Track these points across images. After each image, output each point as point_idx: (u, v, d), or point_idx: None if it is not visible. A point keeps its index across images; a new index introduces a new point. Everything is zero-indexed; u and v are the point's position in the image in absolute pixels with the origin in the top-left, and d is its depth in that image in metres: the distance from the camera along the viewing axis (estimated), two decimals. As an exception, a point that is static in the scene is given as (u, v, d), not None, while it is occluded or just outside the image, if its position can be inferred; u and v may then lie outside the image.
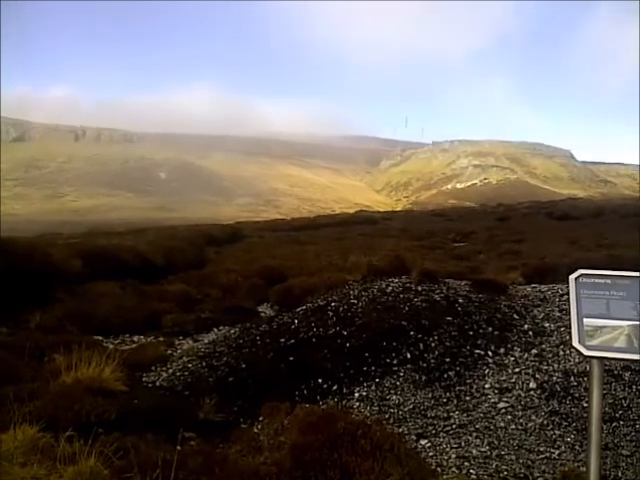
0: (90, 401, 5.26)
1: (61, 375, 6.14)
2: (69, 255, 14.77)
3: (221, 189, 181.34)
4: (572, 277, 3.99)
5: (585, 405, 5.75)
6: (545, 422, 5.68)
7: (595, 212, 50.21)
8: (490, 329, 7.74)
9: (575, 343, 3.85)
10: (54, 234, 41.39)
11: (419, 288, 8.81)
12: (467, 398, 6.37)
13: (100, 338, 9.98)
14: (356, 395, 6.66)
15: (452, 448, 5.32)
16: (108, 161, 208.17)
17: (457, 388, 6.59)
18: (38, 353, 7.61)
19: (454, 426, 5.79)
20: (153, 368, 8.14)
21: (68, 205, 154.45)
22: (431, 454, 5.25)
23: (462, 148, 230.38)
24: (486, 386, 6.53)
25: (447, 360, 7.11)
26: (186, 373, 7.69)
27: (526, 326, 7.81)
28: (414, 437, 5.65)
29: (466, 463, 4.99)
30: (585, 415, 5.51)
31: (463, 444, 5.38)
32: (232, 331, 9.59)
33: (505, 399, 6.21)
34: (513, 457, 5.06)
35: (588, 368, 5.15)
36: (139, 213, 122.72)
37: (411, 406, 6.29)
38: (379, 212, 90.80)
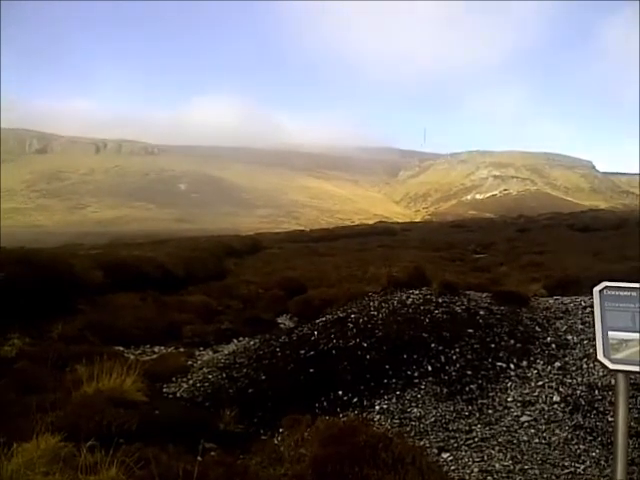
0: (111, 412, 5.29)
1: (83, 385, 6.17)
2: (90, 266, 14.92)
3: (241, 201, 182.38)
4: (596, 289, 3.95)
5: (610, 419, 5.66)
6: (569, 436, 5.60)
7: (617, 224, 49.57)
8: (512, 341, 7.66)
9: (600, 356, 3.80)
10: (76, 245, 41.82)
11: (440, 300, 8.75)
12: (489, 411, 6.29)
13: (121, 349, 10.03)
14: (377, 408, 6.61)
15: (474, 462, 5.26)
16: (129, 173, 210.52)
17: (479, 401, 6.51)
18: (60, 363, 7.68)
19: (476, 439, 5.72)
20: (174, 379, 8.16)
21: (90, 216, 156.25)
22: (453, 468, 5.19)
23: (481, 159, 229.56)
24: (509, 399, 6.45)
25: (469, 373, 7.04)
26: (206, 384, 7.69)
27: (549, 339, 7.71)
28: (436, 450, 5.59)
29: (489, 477, 4.92)
30: (610, 429, 5.41)
31: (486, 458, 5.31)
32: (252, 342, 9.59)
33: (528, 412, 6.12)
34: (537, 472, 4.98)
35: (613, 382, 5.08)
36: (160, 224, 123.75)
37: (432, 419, 6.24)
38: (398, 223, 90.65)
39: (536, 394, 6.45)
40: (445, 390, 6.76)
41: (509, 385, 6.75)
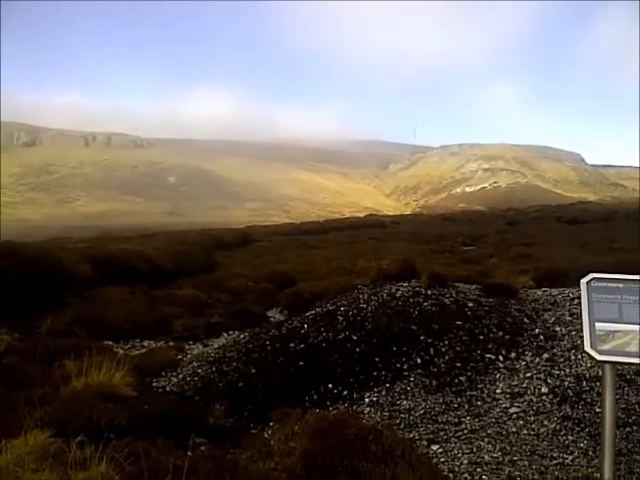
0: (101, 407, 5.27)
1: (72, 380, 6.14)
2: (79, 260, 14.83)
3: (231, 194, 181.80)
4: (584, 281, 3.97)
5: (598, 410, 5.70)
6: (558, 427, 5.63)
7: (606, 216, 49.82)
8: (501, 333, 7.70)
9: (587, 348, 3.83)
10: (64, 238, 41.55)
11: (429, 292, 8.77)
12: (478, 403, 6.32)
13: (110, 343, 10.00)
14: (366, 400, 6.63)
15: (464, 454, 5.28)
16: (118, 166, 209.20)
17: (468, 393, 6.54)
18: (49, 358, 7.63)
19: (465, 431, 5.75)
20: (163, 373, 8.15)
21: (78, 210, 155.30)
22: (443, 460, 5.22)
23: (471, 152, 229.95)
24: (497, 391, 6.49)
25: (458, 365, 7.07)
26: (196, 378, 7.68)
27: (537, 330, 7.76)
28: (425, 443, 5.61)
29: (478, 469, 4.95)
30: (598, 420, 5.46)
31: (475, 450, 5.34)
32: (242, 336, 9.59)
33: (517, 404, 6.16)
34: (526, 463, 5.01)
35: (600, 373, 5.11)
36: (149, 218, 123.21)
37: (422, 411, 6.26)
38: (388, 216, 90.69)
39: (524, 385, 6.49)
40: (434, 382, 6.79)
41: (498, 377, 6.79)
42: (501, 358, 7.17)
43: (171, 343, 10.37)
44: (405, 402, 6.48)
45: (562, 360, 6.91)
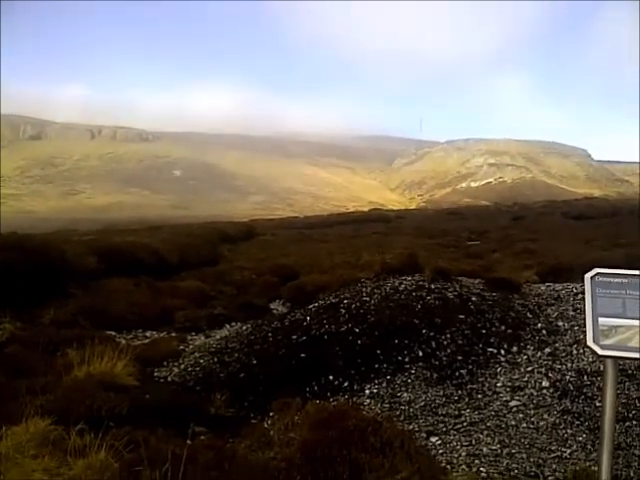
0: (102, 395, 5.29)
1: (73, 369, 6.18)
2: (84, 252, 14.88)
3: (236, 187, 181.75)
4: (588, 276, 3.95)
5: (598, 404, 5.70)
6: (557, 421, 5.64)
7: (611, 211, 49.75)
8: (503, 327, 7.70)
9: (589, 342, 3.81)
10: (69, 231, 41.67)
11: (432, 286, 8.76)
12: (479, 396, 6.33)
13: (113, 333, 10.04)
14: (367, 392, 6.65)
15: (463, 446, 5.29)
16: (124, 159, 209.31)
17: (469, 386, 6.55)
18: (51, 348, 7.67)
19: (465, 424, 5.76)
20: (165, 363, 8.17)
21: (84, 203, 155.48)
22: (441, 451, 5.23)
23: (477, 147, 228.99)
24: (498, 384, 6.49)
25: (459, 358, 7.08)
26: (198, 369, 7.71)
27: (540, 325, 7.75)
28: (424, 434, 5.62)
29: (476, 461, 4.96)
30: (598, 414, 5.45)
31: (474, 442, 5.35)
32: (244, 327, 9.61)
33: (517, 397, 6.16)
34: (524, 455, 5.02)
35: (602, 367, 5.11)
36: (154, 211, 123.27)
37: (422, 403, 6.27)
38: (393, 210, 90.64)
39: (525, 379, 6.49)
40: (435, 375, 6.80)
41: (499, 370, 6.79)
42: (503, 352, 7.18)
43: (173, 334, 10.41)
44: (405, 394, 6.50)
45: (564, 354, 6.91)
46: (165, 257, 18.22)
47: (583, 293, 3.91)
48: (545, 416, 5.74)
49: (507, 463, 4.89)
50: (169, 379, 7.56)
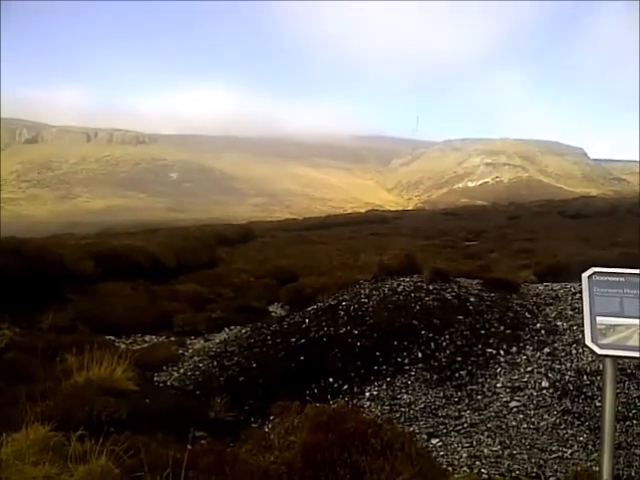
0: (101, 401, 5.28)
1: (73, 375, 6.15)
2: (81, 256, 14.83)
3: (233, 189, 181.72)
4: (585, 275, 3.95)
5: (598, 404, 5.70)
6: (557, 421, 5.64)
7: (608, 210, 49.81)
8: (502, 328, 7.70)
9: (588, 342, 3.81)
10: (66, 235, 41.59)
11: (430, 287, 8.77)
12: (479, 397, 6.33)
13: (112, 338, 10.02)
14: (367, 394, 6.64)
15: (463, 447, 5.29)
16: (120, 162, 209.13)
17: (469, 387, 6.55)
18: (50, 353, 7.65)
19: (465, 425, 5.76)
20: (164, 368, 8.17)
21: (81, 206, 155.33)
22: (442, 453, 5.23)
23: (473, 146, 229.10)
24: (498, 385, 6.49)
25: (458, 359, 7.08)
26: (197, 373, 7.70)
27: (538, 325, 7.75)
28: (425, 436, 5.62)
29: (477, 462, 4.96)
30: (598, 414, 5.45)
31: (474, 443, 5.35)
32: (243, 331, 9.60)
33: (517, 398, 6.16)
34: (525, 456, 5.02)
35: (601, 367, 5.11)
36: (151, 214, 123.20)
37: (422, 405, 6.27)
38: (390, 211, 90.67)
39: (525, 380, 6.49)
40: (435, 376, 6.80)
41: (498, 371, 6.79)
42: (502, 352, 7.18)
43: (172, 338, 10.39)
44: (405, 396, 6.49)
45: (563, 354, 6.91)
46: (162, 260, 18.18)
47: (581, 292, 3.91)
48: (545, 416, 5.74)
49: (508, 464, 4.89)
50: (169, 383, 7.55)
